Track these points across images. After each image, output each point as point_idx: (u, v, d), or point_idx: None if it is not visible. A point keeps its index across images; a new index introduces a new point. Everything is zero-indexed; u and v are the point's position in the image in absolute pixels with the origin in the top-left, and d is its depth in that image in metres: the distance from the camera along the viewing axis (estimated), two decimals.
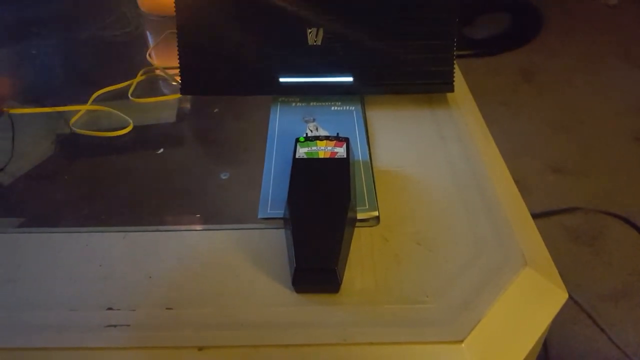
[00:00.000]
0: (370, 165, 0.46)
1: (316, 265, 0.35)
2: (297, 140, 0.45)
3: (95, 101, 0.59)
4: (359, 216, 0.41)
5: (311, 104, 0.55)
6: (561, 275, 0.38)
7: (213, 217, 0.44)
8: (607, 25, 2.22)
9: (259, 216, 0.42)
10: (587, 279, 1.20)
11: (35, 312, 0.35)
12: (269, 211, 0.42)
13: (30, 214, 0.45)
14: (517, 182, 0.46)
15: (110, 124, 0.55)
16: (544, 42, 2.13)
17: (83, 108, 0.57)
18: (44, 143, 0.53)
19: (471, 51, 2.06)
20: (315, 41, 0.53)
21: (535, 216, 0.42)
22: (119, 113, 0.56)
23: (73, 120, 0.55)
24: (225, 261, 0.38)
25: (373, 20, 0.53)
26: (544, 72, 1.96)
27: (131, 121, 0.55)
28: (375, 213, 0.41)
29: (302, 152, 0.43)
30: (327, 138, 0.45)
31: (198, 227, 0.42)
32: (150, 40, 0.75)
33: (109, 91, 0.60)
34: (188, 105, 0.60)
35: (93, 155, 0.51)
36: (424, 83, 0.54)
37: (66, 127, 0.55)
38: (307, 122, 0.52)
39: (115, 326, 0.33)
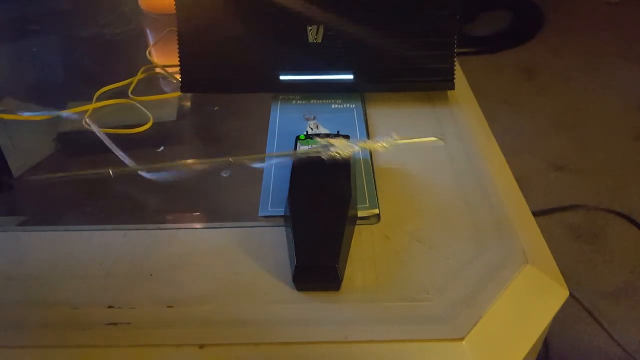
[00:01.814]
0: (370, 163, 0.46)
1: (317, 263, 0.35)
2: (298, 138, 0.45)
3: (97, 100, 0.59)
4: (360, 214, 0.41)
5: (312, 101, 0.55)
6: (562, 273, 0.38)
7: (214, 215, 0.44)
8: (608, 23, 2.22)
9: (260, 214, 0.42)
10: (588, 277, 1.20)
11: (36, 310, 0.35)
12: (269, 209, 0.42)
13: (32, 212, 0.45)
14: (518, 180, 0.46)
15: (122, 121, 0.55)
16: (545, 40, 2.12)
17: (90, 107, 0.57)
18: (45, 141, 0.53)
19: (472, 49, 2.06)
20: (315, 39, 0.53)
21: (536, 214, 0.42)
22: (142, 108, 0.56)
23: (86, 116, 0.55)
24: (226, 259, 0.38)
25: (374, 17, 0.52)
26: (545, 70, 1.96)
27: (151, 116, 0.55)
28: (376, 211, 0.41)
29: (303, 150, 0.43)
30: (327, 136, 0.45)
31: (199, 226, 0.42)
32: (151, 39, 0.75)
33: (109, 90, 0.60)
34: (189, 104, 0.60)
35: (94, 153, 0.51)
36: (425, 81, 0.54)
37: (68, 125, 0.55)
38: (307, 120, 0.52)
39: (116, 324, 0.33)
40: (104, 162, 0.49)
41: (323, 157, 0.40)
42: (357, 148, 0.41)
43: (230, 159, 0.42)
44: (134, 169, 0.44)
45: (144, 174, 0.46)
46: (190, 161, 0.43)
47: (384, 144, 0.41)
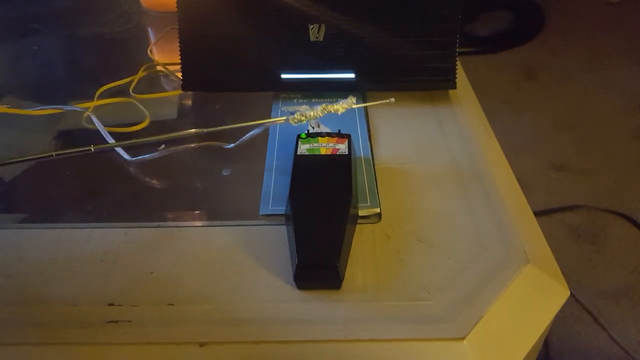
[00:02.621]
0: (371, 162, 0.46)
1: (318, 262, 0.35)
2: (299, 136, 0.45)
3: (98, 98, 0.58)
4: (361, 213, 0.41)
5: (313, 100, 0.55)
6: (563, 273, 0.38)
7: (214, 213, 0.43)
8: (609, 23, 2.22)
9: (261, 213, 0.42)
10: (588, 277, 1.20)
11: (36, 307, 0.35)
12: (270, 208, 0.42)
13: (32, 209, 0.45)
14: (518, 179, 0.46)
15: (121, 119, 0.55)
16: (546, 40, 2.12)
17: (91, 104, 0.57)
18: (45, 139, 0.53)
19: (473, 49, 2.06)
20: (317, 37, 0.53)
21: (537, 214, 0.42)
22: (141, 107, 0.56)
23: (85, 115, 0.55)
24: (227, 257, 0.38)
25: (375, 16, 0.52)
26: (546, 69, 1.96)
27: (148, 115, 0.55)
28: (377, 210, 0.41)
29: (303, 148, 0.43)
30: (328, 135, 0.45)
31: (199, 224, 0.42)
32: (152, 37, 0.75)
33: (110, 88, 0.60)
34: (189, 102, 0.60)
35: (95, 151, 0.51)
36: (426, 80, 0.54)
37: (69, 123, 0.55)
38: None
39: (116, 322, 0.33)
40: (103, 159, 0.49)
41: (290, 122, 0.44)
42: (319, 110, 0.44)
43: (205, 130, 0.46)
44: (112, 145, 0.48)
45: (124, 154, 0.48)
46: (164, 136, 0.48)
47: (344, 106, 0.44)
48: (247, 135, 0.46)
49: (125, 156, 0.47)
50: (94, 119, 0.51)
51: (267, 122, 0.45)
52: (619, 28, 2.18)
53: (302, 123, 0.44)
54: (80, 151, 0.44)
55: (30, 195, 0.47)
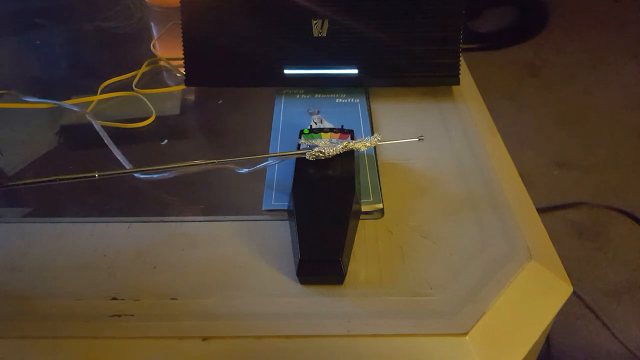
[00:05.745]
0: (374, 157, 0.46)
1: (321, 257, 0.35)
2: (302, 132, 0.45)
3: (101, 93, 0.58)
4: (364, 208, 0.41)
5: (316, 96, 0.55)
6: (564, 270, 0.38)
7: (217, 208, 0.44)
8: (613, 20, 2.21)
9: (264, 207, 0.42)
10: (590, 274, 1.20)
11: (40, 301, 0.35)
12: (273, 203, 0.42)
13: (36, 203, 0.45)
14: (521, 176, 0.46)
15: (124, 114, 0.55)
16: (550, 37, 2.11)
17: (94, 99, 0.57)
18: (48, 133, 0.53)
19: (477, 45, 2.05)
20: (320, 33, 0.53)
21: (539, 211, 0.42)
22: (146, 101, 0.56)
23: (89, 109, 0.55)
24: (230, 252, 0.38)
25: (379, 12, 0.52)
26: (549, 66, 1.95)
27: (153, 111, 0.55)
28: (380, 205, 0.41)
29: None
30: (331, 130, 0.45)
31: (202, 218, 0.42)
32: (155, 32, 0.75)
33: (113, 82, 0.60)
34: (192, 97, 0.60)
35: (96, 146, 0.51)
36: (429, 75, 0.54)
37: (71, 118, 0.55)
38: (311, 114, 0.52)
39: (119, 316, 0.33)
40: (105, 156, 0.49)
41: (307, 157, 0.41)
42: (339, 147, 0.41)
43: (216, 161, 0.42)
44: (120, 172, 0.42)
45: (127, 164, 0.45)
46: (174, 164, 0.42)
47: (367, 144, 0.42)
48: (262, 164, 0.44)
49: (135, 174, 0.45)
50: (95, 125, 0.51)
51: (285, 155, 0.43)
52: (624, 25, 2.17)
53: (320, 159, 0.41)
54: (85, 177, 0.41)
55: (34, 190, 0.47)
